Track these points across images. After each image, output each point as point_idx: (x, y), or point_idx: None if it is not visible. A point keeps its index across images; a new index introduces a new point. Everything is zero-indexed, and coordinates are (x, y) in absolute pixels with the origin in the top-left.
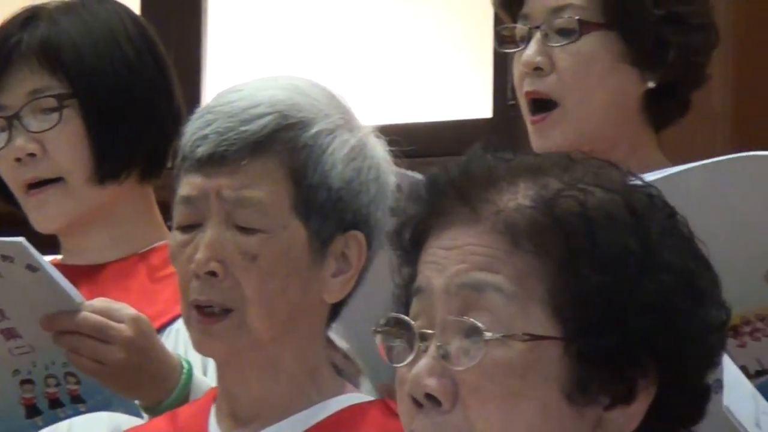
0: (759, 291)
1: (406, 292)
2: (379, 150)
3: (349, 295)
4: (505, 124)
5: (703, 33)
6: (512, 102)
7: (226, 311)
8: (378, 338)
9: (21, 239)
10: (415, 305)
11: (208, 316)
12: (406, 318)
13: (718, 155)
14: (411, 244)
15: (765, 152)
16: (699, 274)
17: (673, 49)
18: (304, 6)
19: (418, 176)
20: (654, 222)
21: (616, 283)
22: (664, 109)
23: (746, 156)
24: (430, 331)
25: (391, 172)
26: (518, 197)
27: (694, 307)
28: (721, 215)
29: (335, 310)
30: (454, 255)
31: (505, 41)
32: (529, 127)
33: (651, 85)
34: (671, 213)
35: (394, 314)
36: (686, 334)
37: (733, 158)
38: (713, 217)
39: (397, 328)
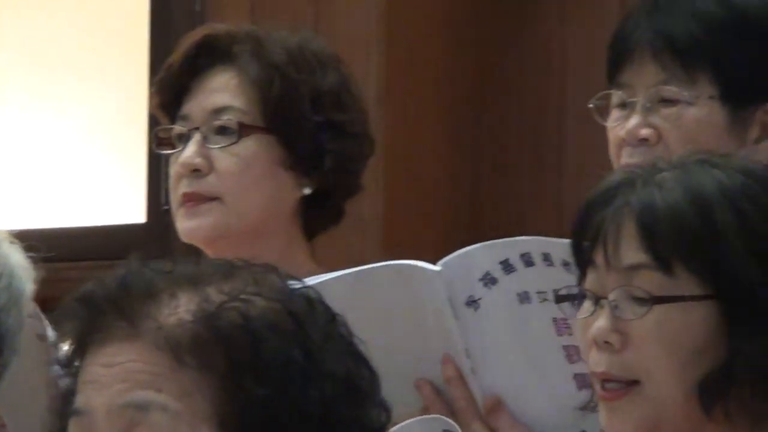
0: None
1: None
2: (15, 256)
3: None
4: (159, 229)
5: (360, 141)
6: (167, 207)
7: None
8: None
9: None
10: (73, 428)
11: None
12: None
13: (368, 263)
14: (68, 363)
15: (411, 261)
16: (360, 376)
17: (329, 156)
18: None
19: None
20: (315, 328)
21: (280, 395)
22: (319, 216)
23: (394, 264)
24: None
25: (27, 279)
26: (179, 311)
27: (356, 412)
28: (372, 322)
29: None
30: (114, 373)
31: (162, 143)
32: (179, 211)
33: (307, 191)
34: (331, 317)
35: None
36: None
37: (381, 266)
38: (365, 324)
39: None
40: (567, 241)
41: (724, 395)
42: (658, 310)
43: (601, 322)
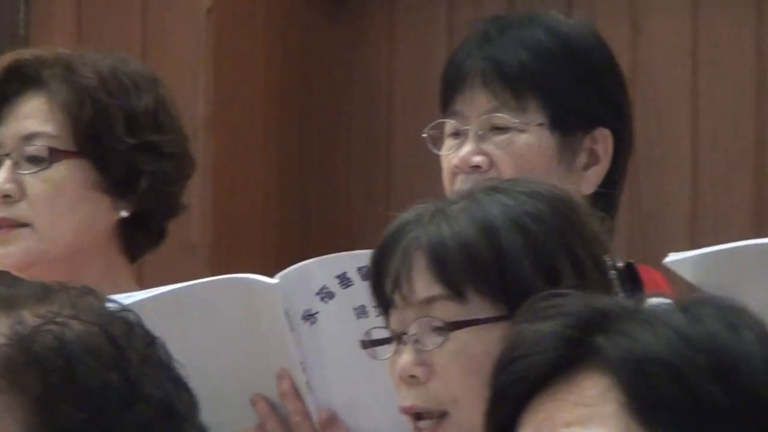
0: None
1: None
2: None
3: None
4: None
5: (177, 162)
6: None
7: None
8: None
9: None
10: None
11: None
12: None
13: None
14: None
15: (247, 275)
16: (179, 399)
17: (144, 178)
18: None
19: None
20: (133, 351)
21: (97, 419)
22: (139, 238)
23: (229, 278)
24: None
25: None
26: None
27: None
28: (201, 338)
29: None
30: None
31: None
32: None
33: (124, 214)
34: (150, 340)
35: None
36: None
37: (210, 281)
38: (192, 341)
39: None
40: None
41: None
42: (456, 336)
43: (405, 357)
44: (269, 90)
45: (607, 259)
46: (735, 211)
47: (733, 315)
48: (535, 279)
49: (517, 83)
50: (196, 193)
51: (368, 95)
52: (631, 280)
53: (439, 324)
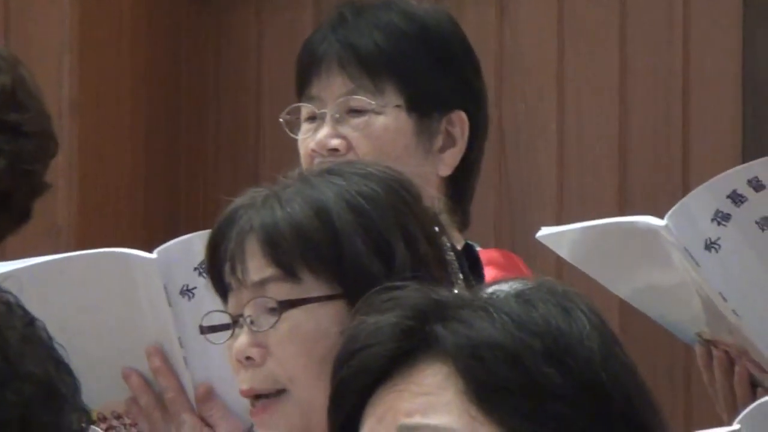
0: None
1: None
2: None
3: None
4: None
5: (38, 141)
6: None
7: None
8: None
9: None
10: None
11: None
12: None
13: None
14: None
15: (125, 249)
16: (60, 380)
17: (2, 157)
18: None
19: None
20: (12, 330)
21: None
22: (2, 218)
23: (105, 252)
24: None
25: None
26: None
27: (55, 416)
28: (75, 310)
29: None
30: None
31: None
32: None
33: None
34: (30, 320)
35: None
36: None
37: (87, 254)
38: (66, 312)
39: None
40: None
41: None
42: (290, 316)
43: (241, 339)
44: (136, 72)
45: (445, 240)
46: (600, 193)
47: (566, 299)
48: (368, 256)
49: (374, 66)
50: (61, 174)
51: (237, 78)
52: (470, 261)
53: (272, 304)
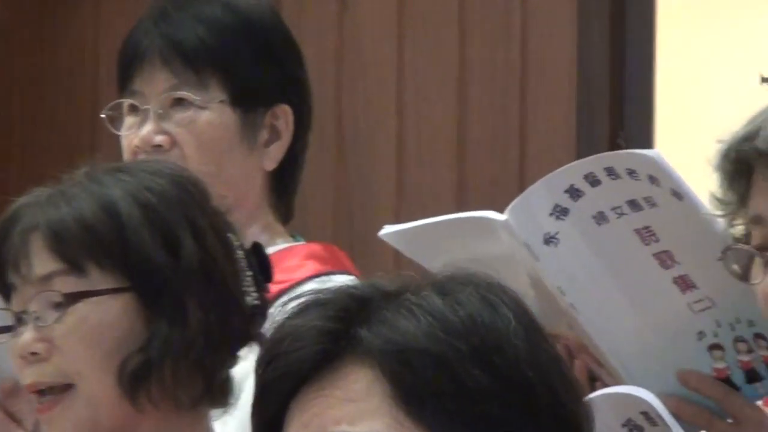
0: None
1: None
2: None
3: None
4: None
5: None
6: None
7: None
8: None
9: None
10: None
11: None
12: None
13: None
14: None
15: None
16: None
17: None
18: None
19: None
20: None
21: None
22: None
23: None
24: None
25: None
26: None
27: None
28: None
29: None
30: None
31: None
32: None
33: None
34: None
35: None
36: None
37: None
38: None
39: None
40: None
41: (145, 382)
42: (76, 310)
43: (25, 335)
44: None
45: (233, 239)
46: (439, 187)
47: (490, 292)
48: (155, 249)
49: (197, 61)
50: None
51: (73, 70)
52: (259, 259)
53: (58, 298)
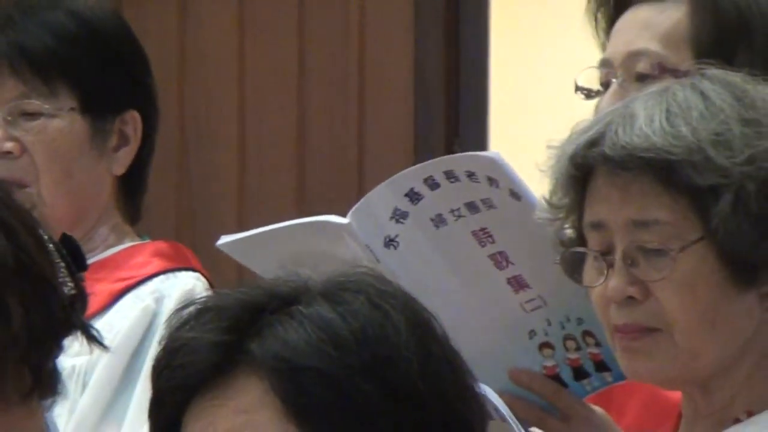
0: None
1: None
2: None
3: None
4: None
5: None
6: None
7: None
8: None
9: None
10: None
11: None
12: None
13: None
14: None
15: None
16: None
17: None
18: None
19: None
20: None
21: None
22: None
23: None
24: None
25: None
26: None
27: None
28: None
29: None
30: None
31: None
32: None
33: None
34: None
35: None
36: None
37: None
38: None
39: None
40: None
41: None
42: None
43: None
44: None
45: (42, 232)
46: (280, 191)
47: (381, 299)
48: None
49: (46, 69)
50: None
51: None
52: (71, 250)
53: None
